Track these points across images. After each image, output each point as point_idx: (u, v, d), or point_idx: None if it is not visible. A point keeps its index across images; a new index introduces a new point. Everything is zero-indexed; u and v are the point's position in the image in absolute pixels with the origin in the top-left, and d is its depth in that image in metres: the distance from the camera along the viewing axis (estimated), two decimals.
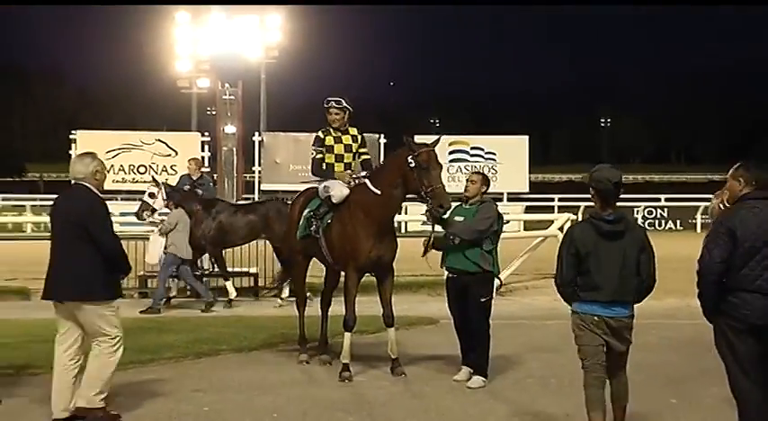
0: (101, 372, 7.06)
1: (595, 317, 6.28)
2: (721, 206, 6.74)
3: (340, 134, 9.36)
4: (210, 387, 8.46)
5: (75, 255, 6.97)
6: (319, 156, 9.32)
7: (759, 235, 5.82)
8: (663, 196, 36.61)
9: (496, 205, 8.71)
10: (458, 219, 8.52)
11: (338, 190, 9.00)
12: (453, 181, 28.52)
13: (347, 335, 8.85)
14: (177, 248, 13.30)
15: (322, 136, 9.38)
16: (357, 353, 9.15)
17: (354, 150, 9.41)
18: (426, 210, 8.58)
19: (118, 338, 7.18)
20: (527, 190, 33.14)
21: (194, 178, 15.59)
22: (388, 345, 8.96)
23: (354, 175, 9.24)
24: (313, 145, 9.47)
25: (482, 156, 32.07)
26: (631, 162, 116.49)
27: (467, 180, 8.79)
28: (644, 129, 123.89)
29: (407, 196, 8.72)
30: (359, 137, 9.49)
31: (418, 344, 9.07)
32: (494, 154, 32.19)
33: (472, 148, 32.17)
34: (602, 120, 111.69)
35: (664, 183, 70.99)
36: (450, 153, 30.83)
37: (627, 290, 6.34)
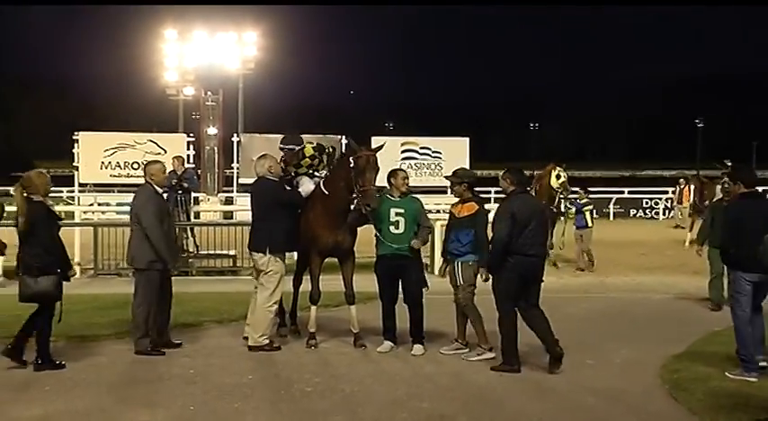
0: (263, 321, 8.42)
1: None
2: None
3: (298, 161, 9.16)
4: (196, 353, 8.40)
5: (270, 222, 8.40)
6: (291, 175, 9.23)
7: (526, 216, 7.59)
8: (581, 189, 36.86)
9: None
10: (399, 210, 8.40)
11: (306, 186, 8.95)
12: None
13: (313, 308, 8.81)
14: None
15: (284, 166, 9.11)
16: (322, 323, 9.14)
17: (317, 162, 9.21)
18: (355, 207, 8.54)
19: (270, 296, 8.42)
20: None
21: (179, 173, 15.57)
22: (350, 321, 8.87)
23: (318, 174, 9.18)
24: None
25: (429, 155, 32.03)
26: (555, 160, 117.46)
27: (396, 177, 8.54)
28: (565, 132, 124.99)
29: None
30: (315, 151, 9.22)
31: (375, 317, 9.06)
32: (440, 153, 32.15)
33: (421, 148, 32.10)
34: (531, 125, 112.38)
35: (581, 178, 71.44)
36: (403, 152, 30.79)
37: None
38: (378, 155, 8.48)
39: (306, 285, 9.10)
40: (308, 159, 9.22)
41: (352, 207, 8.73)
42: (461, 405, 6.68)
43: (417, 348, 8.42)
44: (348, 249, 8.84)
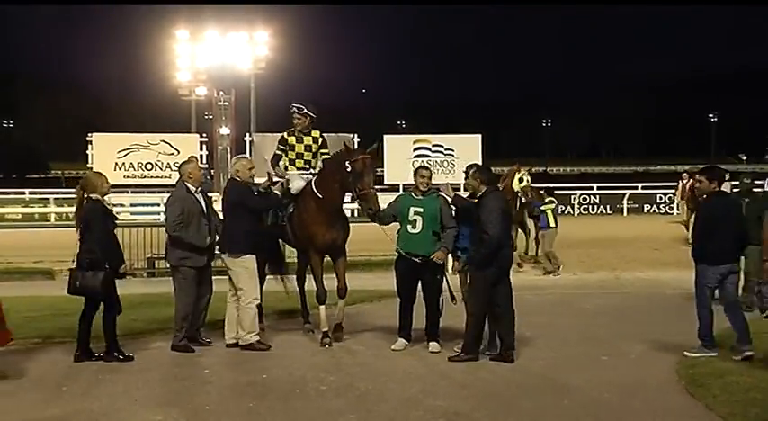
0: (246, 319, 8.40)
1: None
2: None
3: (302, 135, 9.27)
4: (210, 352, 8.43)
5: (230, 222, 8.47)
6: (279, 152, 9.33)
7: (507, 211, 8.10)
8: (595, 185, 36.72)
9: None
10: (417, 209, 8.31)
11: (296, 182, 8.95)
12: None
13: (321, 307, 8.76)
14: None
15: (286, 136, 9.33)
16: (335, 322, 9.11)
17: (314, 150, 9.29)
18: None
19: (246, 294, 8.39)
20: None
21: None
22: (336, 312, 8.91)
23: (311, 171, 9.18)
24: (277, 142, 9.45)
25: (442, 152, 32.04)
26: (568, 156, 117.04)
27: (416, 175, 8.51)
28: (579, 128, 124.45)
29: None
30: (320, 139, 9.35)
31: (388, 315, 9.05)
32: (452, 150, 32.16)
33: (434, 145, 32.12)
34: (544, 122, 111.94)
35: (596, 174, 71.25)
36: (415, 149, 30.81)
37: None
38: (395, 149, 8.51)
39: (311, 283, 9.04)
40: (310, 138, 9.26)
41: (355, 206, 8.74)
42: (476, 402, 6.66)
43: (434, 345, 8.37)
44: (341, 246, 8.87)
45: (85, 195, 8.04)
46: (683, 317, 10.23)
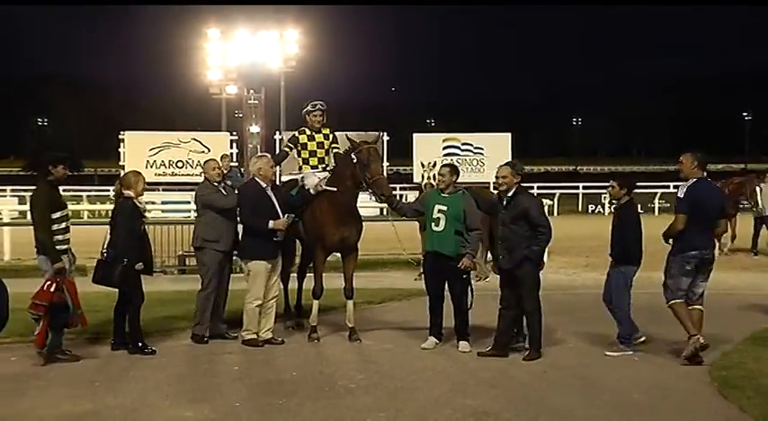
0: (245, 317, 8.54)
1: None
2: None
3: (313, 133, 9.37)
4: (240, 349, 8.47)
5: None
6: (286, 149, 9.58)
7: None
8: None
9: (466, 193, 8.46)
10: (441, 207, 8.22)
11: (310, 180, 9.01)
12: None
13: (315, 302, 8.80)
14: None
15: (297, 134, 9.45)
16: (366, 320, 9.15)
17: (326, 147, 9.39)
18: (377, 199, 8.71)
19: (249, 294, 8.49)
20: None
21: (224, 171, 15.68)
22: (347, 315, 8.87)
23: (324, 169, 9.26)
24: (288, 140, 9.64)
25: (471, 151, 31.82)
26: (599, 156, 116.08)
27: (439, 173, 8.49)
28: (610, 128, 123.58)
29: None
30: (331, 135, 9.47)
31: (417, 313, 9.03)
32: (481, 149, 31.90)
33: (463, 144, 31.89)
34: (574, 121, 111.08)
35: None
36: (444, 148, 30.66)
37: None
38: (424, 147, 8.56)
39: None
40: (321, 135, 9.35)
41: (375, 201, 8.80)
42: (506, 401, 6.64)
43: (463, 345, 8.34)
44: (353, 245, 8.88)
45: (122, 192, 8.32)
46: (717, 319, 10.12)
